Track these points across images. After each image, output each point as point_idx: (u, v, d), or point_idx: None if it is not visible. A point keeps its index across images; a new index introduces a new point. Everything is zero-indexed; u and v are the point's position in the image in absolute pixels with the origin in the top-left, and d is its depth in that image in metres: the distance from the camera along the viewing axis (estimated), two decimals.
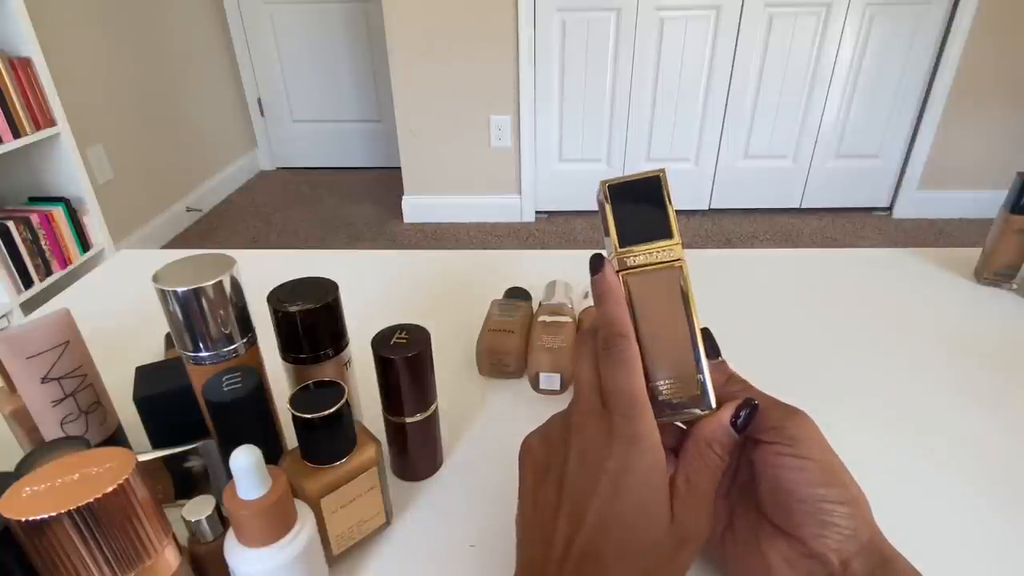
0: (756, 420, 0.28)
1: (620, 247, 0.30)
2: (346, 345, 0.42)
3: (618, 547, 0.26)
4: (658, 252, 0.30)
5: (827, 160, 2.51)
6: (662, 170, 0.30)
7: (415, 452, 0.42)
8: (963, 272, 0.68)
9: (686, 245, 0.29)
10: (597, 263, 0.30)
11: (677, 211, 0.30)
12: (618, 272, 0.30)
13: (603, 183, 0.30)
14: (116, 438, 0.44)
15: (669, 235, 0.30)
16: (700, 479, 0.28)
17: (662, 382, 0.29)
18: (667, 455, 0.28)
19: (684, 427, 0.30)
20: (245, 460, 0.28)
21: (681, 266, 0.30)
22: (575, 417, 0.29)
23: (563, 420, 0.30)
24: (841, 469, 0.27)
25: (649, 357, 0.29)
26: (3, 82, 1.61)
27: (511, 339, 0.52)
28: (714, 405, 0.29)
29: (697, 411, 0.29)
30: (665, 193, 0.30)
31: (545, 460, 0.30)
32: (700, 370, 0.29)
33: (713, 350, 0.30)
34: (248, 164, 3.26)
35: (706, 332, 0.30)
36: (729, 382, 0.30)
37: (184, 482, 0.39)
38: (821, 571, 0.26)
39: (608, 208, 0.30)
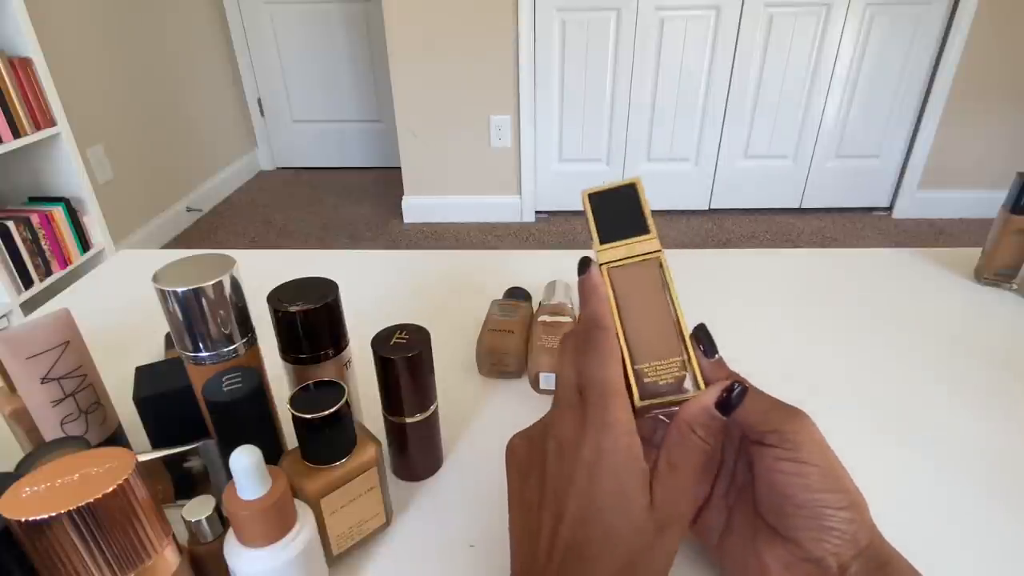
0: (755, 423, 0.28)
1: (601, 243, 0.32)
2: (346, 345, 0.42)
3: (600, 535, 0.26)
4: (637, 246, 0.32)
5: (827, 160, 2.51)
6: (637, 179, 0.33)
7: (415, 452, 0.42)
8: (963, 272, 0.68)
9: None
10: (584, 265, 0.32)
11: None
12: (601, 266, 0.32)
13: (584, 192, 0.33)
14: (116, 438, 0.44)
15: (646, 231, 0.32)
16: (682, 462, 0.28)
17: (647, 364, 0.30)
18: (647, 444, 0.29)
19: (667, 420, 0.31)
20: (245, 460, 0.28)
21: (659, 257, 0.31)
22: (553, 412, 0.30)
23: (544, 418, 0.31)
24: (842, 473, 0.27)
25: (635, 344, 0.30)
26: (3, 82, 1.61)
27: (511, 339, 0.52)
28: (702, 385, 0.30)
29: (684, 393, 0.29)
30: (640, 196, 0.33)
31: (528, 459, 0.30)
32: (685, 352, 0.30)
33: (710, 348, 0.30)
34: (248, 164, 3.26)
35: (702, 329, 0.31)
36: (730, 379, 0.30)
37: (184, 482, 0.39)
38: (818, 575, 0.26)
39: (589, 211, 0.33)
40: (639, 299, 0.31)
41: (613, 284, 0.31)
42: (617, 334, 0.30)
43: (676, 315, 0.31)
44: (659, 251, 0.32)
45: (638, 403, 0.29)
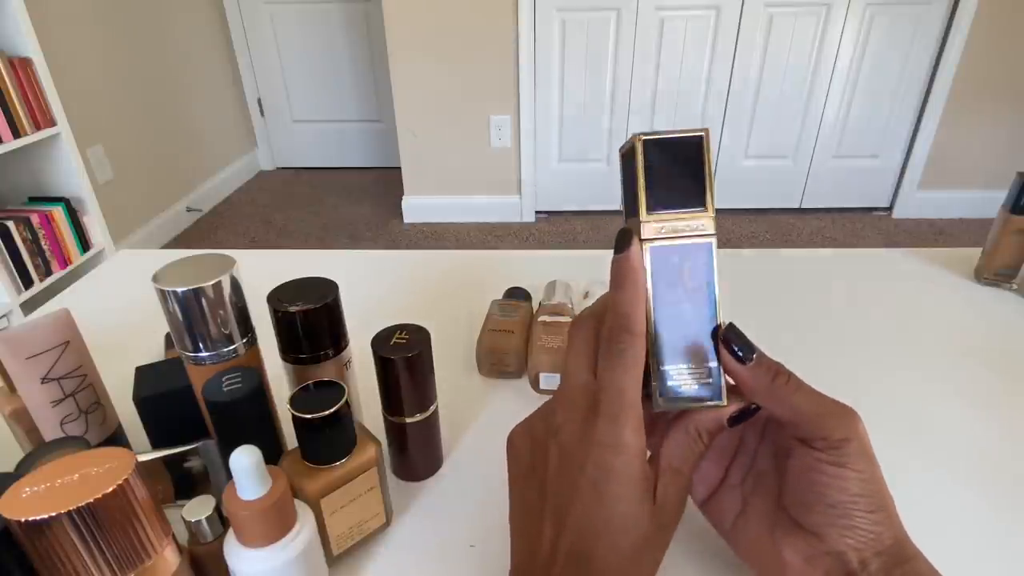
0: (806, 426, 0.27)
1: (648, 211, 0.26)
2: (346, 345, 0.42)
3: (604, 550, 0.26)
4: (689, 222, 0.26)
5: (827, 160, 2.51)
6: (705, 130, 0.26)
7: (415, 452, 0.42)
8: (963, 272, 0.68)
9: None
10: (625, 241, 0.27)
11: None
12: (641, 240, 0.27)
13: (637, 136, 0.26)
14: (116, 438, 0.44)
15: (703, 205, 0.26)
16: (685, 466, 0.28)
17: (674, 367, 0.27)
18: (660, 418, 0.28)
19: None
20: (245, 460, 0.28)
21: (711, 242, 0.27)
22: (559, 416, 0.28)
23: (547, 415, 0.29)
24: (879, 477, 0.26)
25: (665, 340, 0.27)
26: (3, 82, 1.61)
27: (511, 339, 0.52)
28: (724, 399, 0.27)
29: (707, 402, 0.27)
30: (705, 155, 0.26)
31: (529, 459, 0.29)
32: (715, 359, 0.27)
33: (746, 351, 0.27)
34: (248, 164, 3.26)
35: (732, 330, 0.27)
36: (776, 381, 0.27)
37: (184, 482, 0.39)
38: (839, 569, 0.26)
39: (640, 166, 0.26)
40: (679, 288, 0.27)
41: (652, 266, 0.26)
42: (647, 324, 0.26)
43: (715, 314, 0.27)
44: (713, 235, 0.26)
45: (657, 406, 0.27)
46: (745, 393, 0.28)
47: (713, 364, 0.27)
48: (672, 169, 0.26)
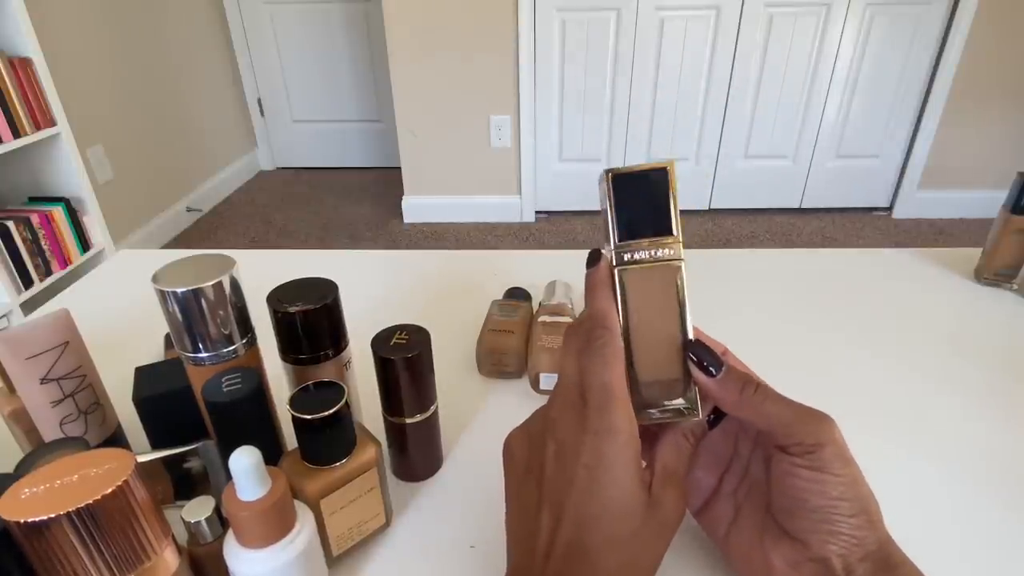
0: (779, 433, 0.28)
1: (619, 241, 0.29)
2: (346, 345, 0.42)
3: (601, 538, 0.26)
4: (657, 249, 0.29)
5: (827, 160, 2.51)
6: (670, 162, 0.28)
7: (415, 452, 0.42)
8: (963, 272, 0.68)
9: (686, 245, 0.29)
10: (595, 257, 0.30)
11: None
12: (614, 267, 0.29)
13: (607, 172, 0.29)
14: (116, 438, 0.44)
15: (670, 232, 0.28)
16: (676, 465, 0.29)
17: (647, 383, 0.29)
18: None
19: None
20: (245, 461, 0.28)
21: (679, 267, 0.29)
22: (553, 412, 0.29)
23: (543, 415, 0.30)
24: (860, 480, 0.27)
25: (638, 357, 0.29)
26: (3, 82, 1.61)
27: (511, 339, 0.52)
28: (701, 413, 0.29)
29: (682, 417, 0.29)
30: (671, 187, 0.28)
31: (526, 458, 0.30)
32: (688, 374, 0.29)
33: (714, 365, 0.28)
34: (248, 164, 3.26)
35: (699, 347, 0.29)
36: (745, 391, 0.28)
37: (184, 483, 0.39)
38: (824, 575, 0.26)
39: (610, 199, 0.29)
40: (649, 309, 0.29)
41: (624, 288, 0.29)
42: (625, 345, 0.28)
43: (685, 333, 0.29)
44: (680, 260, 0.29)
45: (638, 420, 0.28)
46: (717, 404, 0.29)
47: (685, 379, 0.29)
48: (640, 200, 0.29)
